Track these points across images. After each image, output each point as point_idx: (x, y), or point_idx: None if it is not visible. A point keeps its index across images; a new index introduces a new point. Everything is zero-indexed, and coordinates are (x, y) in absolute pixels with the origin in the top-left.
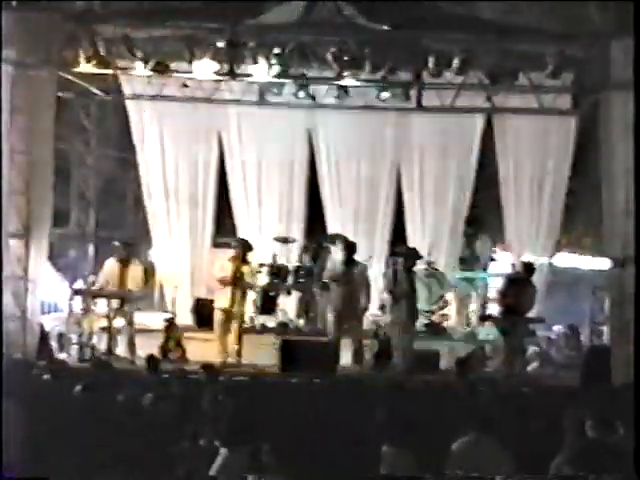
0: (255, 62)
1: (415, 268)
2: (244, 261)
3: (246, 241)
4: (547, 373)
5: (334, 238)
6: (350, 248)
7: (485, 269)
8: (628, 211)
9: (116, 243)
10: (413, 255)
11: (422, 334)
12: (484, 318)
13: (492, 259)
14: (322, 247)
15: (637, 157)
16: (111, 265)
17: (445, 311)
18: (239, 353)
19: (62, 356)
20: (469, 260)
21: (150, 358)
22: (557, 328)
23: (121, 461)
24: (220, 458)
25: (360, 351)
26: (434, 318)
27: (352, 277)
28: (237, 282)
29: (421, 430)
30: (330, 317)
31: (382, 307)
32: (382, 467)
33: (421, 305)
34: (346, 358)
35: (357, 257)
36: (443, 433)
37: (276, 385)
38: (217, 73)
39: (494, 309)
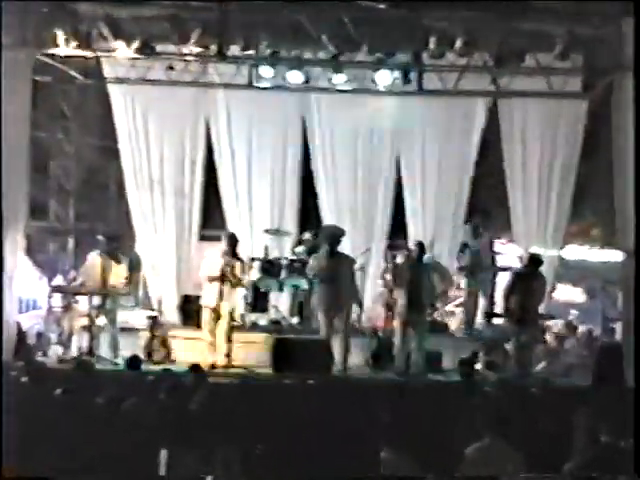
0: (245, 43)
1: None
2: (234, 255)
3: (232, 234)
4: (556, 372)
5: (329, 229)
6: (333, 239)
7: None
8: None
9: (99, 237)
10: (419, 248)
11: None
12: (490, 315)
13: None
14: (317, 239)
15: (637, 151)
16: (93, 260)
17: (449, 307)
18: (228, 353)
19: (41, 357)
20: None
21: (131, 359)
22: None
23: (102, 465)
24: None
25: (345, 352)
26: (436, 315)
27: (337, 271)
28: (225, 278)
29: (421, 434)
30: (319, 315)
31: (388, 305)
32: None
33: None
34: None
35: (354, 249)
36: (446, 436)
37: (267, 387)
38: (205, 55)
39: (501, 305)
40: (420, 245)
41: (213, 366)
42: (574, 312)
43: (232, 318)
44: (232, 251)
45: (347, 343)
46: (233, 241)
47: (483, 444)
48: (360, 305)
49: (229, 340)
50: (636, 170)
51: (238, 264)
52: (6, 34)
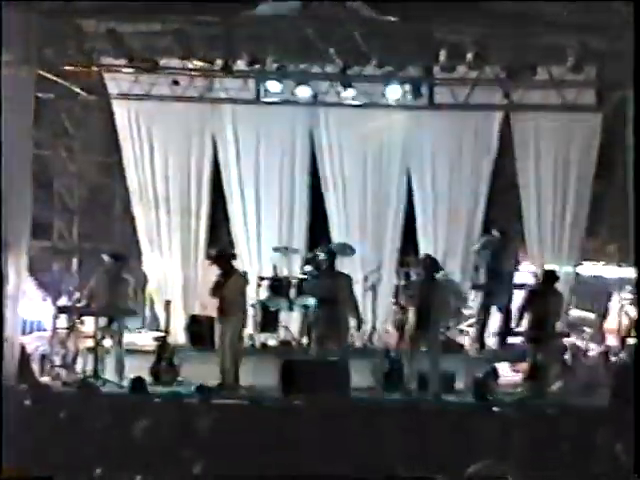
0: (252, 57)
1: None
2: (230, 272)
3: (222, 249)
4: (573, 392)
5: (339, 247)
6: (330, 257)
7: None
8: None
9: (104, 256)
10: (433, 265)
11: None
12: (506, 334)
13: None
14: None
15: (637, 159)
16: (98, 280)
17: (462, 326)
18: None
19: (45, 379)
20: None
21: (135, 380)
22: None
23: None
24: None
25: (347, 374)
26: (449, 334)
27: (333, 291)
28: (224, 296)
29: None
30: (313, 336)
31: (400, 324)
32: None
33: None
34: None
35: (364, 266)
36: (458, 459)
37: (275, 410)
38: (210, 70)
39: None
40: (432, 260)
41: (221, 387)
42: (588, 329)
43: (239, 338)
44: (229, 267)
45: (346, 364)
46: (226, 256)
47: (485, 464)
48: (359, 321)
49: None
50: (635, 176)
51: (237, 281)
52: (9, 51)
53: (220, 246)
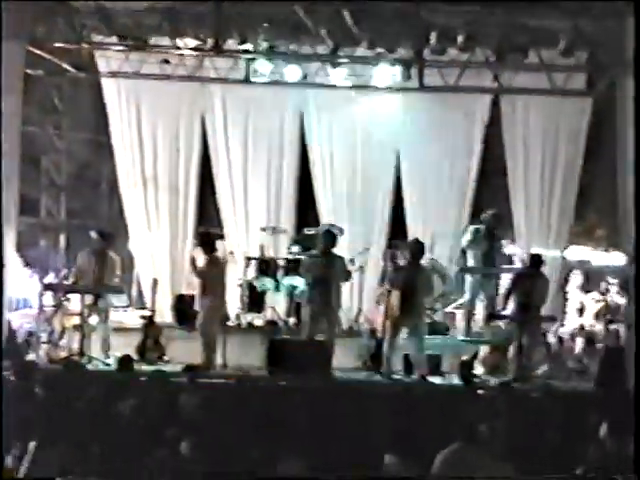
0: (242, 37)
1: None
2: (212, 252)
3: (204, 232)
4: (558, 376)
5: (325, 229)
6: (328, 239)
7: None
8: None
9: (92, 233)
10: (418, 248)
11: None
12: (492, 317)
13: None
14: (313, 238)
15: (637, 152)
16: (85, 258)
17: (449, 309)
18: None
19: (31, 356)
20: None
21: (122, 359)
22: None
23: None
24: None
25: (330, 355)
26: (436, 317)
27: (328, 272)
28: (207, 276)
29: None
30: (304, 315)
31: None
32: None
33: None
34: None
35: (352, 247)
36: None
37: (262, 388)
38: (200, 49)
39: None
40: (418, 244)
41: (207, 367)
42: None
43: (225, 318)
44: (211, 248)
45: (332, 344)
46: (206, 238)
47: (455, 448)
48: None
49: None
50: (636, 170)
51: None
52: None
53: (205, 227)
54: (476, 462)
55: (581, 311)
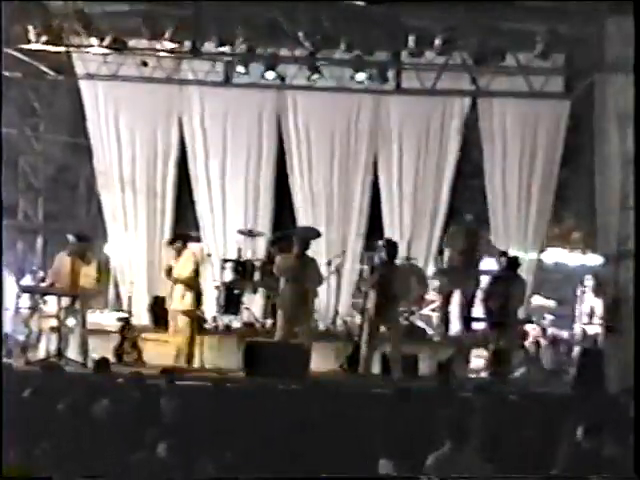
0: (220, 39)
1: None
2: (183, 253)
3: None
4: (536, 379)
5: (301, 231)
6: (303, 241)
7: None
8: (624, 204)
9: (69, 236)
10: (392, 250)
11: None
12: (469, 319)
13: None
14: (287, 239)
15: (637, 148)
16: (62, 260)
17: (425, 311)
18: (189, 358)
19: (8, 359)
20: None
21: (99, 361)
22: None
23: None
24: None
25: (307, 357)
26: (413, 319)
27: (303, 274)
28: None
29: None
30: (279, 318)
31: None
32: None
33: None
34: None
35: (329, 250)
36: (422, 443)
37: (238, 391)
38: (179, 51)
39: (480, 309)
40: (391, 244)
41: (185, 369)
42: (550, 317)
43: (198, 320)
44: (179, 251)
45: (309, 347)
46: (183, 238)
47: (444, 452)
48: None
49: (190, 344)
50: (636, 171)
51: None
52: None
53: (182, 229)
54: (466, 464)
55: (591, 315)
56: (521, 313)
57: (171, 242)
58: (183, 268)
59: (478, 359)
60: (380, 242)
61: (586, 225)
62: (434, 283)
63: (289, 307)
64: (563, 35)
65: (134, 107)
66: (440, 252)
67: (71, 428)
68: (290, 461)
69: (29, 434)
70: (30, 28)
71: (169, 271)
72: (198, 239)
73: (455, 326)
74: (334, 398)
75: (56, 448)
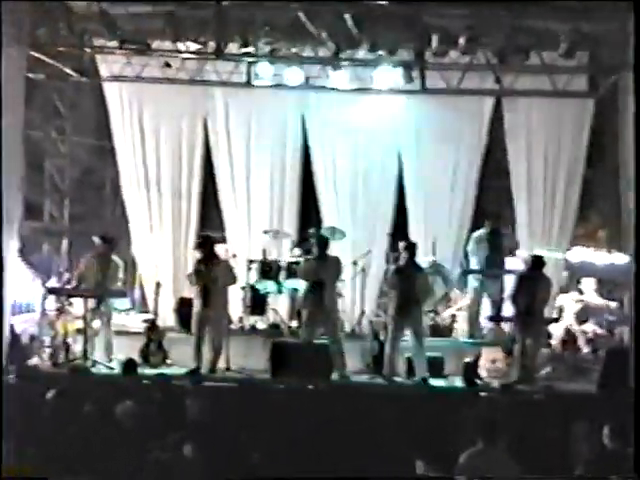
0: (243, 40)
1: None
2: (211, 257)
3: (205, 235)
4: (561, 378)
5: (319, 232)
6: (321, 242)
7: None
8: None
9: (94, 238)
10: (411, 247)
11: (426, 336)
12: (494, 319)
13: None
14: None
15: (637, 148)
16: (88, 262)
17: (451, 311)
18: (214, 362)
19: (34, 360)
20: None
21: (127, 362)
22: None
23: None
24: None
25: (339, 356)
26: (439, 319)
27: (323, 274)
28: (207, 280)
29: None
30: (303, 319)
31: (383, 306)
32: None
33: (425, 305)
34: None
35: (354, 250)
36: (448, 444)
37: (265, 391)
38: (202, 52)
39: (505, 309)
40: (411, 245)
41: (211, 370)
42: (611, 317)
43: (228, 322)
44: (209, 252)
45: (339, 347)
46: (206, 242)
47: (476, 450)
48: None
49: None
50: (636, 170)
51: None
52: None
53: (208, 230)
54: (497, 463)
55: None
56: (546, 312)
57: (199, 245)
58: (215, 272)
59: (503, 359)
60: (401, 243)
61: (612, 224)
62: (460, 283)
63: (310, 308)
64: (587, 33)
65: (158, 108)
66: (466, 253)
67: (97, 429)
68: (316, 462)
69: (55, 435)
70: (54, 30)
71: (196, 275)
72: (223, 240)
73: (481, 326)
74: (359, 398)
75: (82, 449)
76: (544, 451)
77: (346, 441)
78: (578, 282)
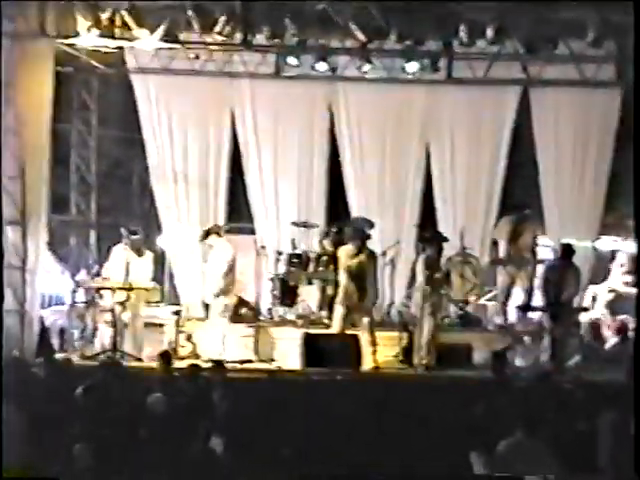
0: (271, 32)
1: (448, 254)
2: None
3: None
4: (591, 367)
5: (358, 223)
6: (362, 234)
7: None
8: None
9: (123, 230)
10: (438, 239)
11: (455, 326)
12: (524, 308)
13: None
14: (344, 232)
15: (637, 147)
16: (117, 254)
17: (481, 301)
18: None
19: (64, 353)
20: None
21: (162, 354)
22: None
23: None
24: None
25: (374, 346)
26: (469, 308)
27: (360, 266)
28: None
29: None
30: (337, 310)
31: (409, 297)
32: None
33: (454, 294)
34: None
35: (383, 241)
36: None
37: (295, 382)
38: (229, 44)
39: (535, 298)
40: (436, 235)
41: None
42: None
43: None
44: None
45: (374, 338)
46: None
47: (514, 440)
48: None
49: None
50: (635, 171)
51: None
52: (26, 23)
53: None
54: (534, 453)
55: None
56: (576, 301)
57: (206, 235)
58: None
59: (534, 348)
60: (427, 234)
61: None
62: (489, 273)
63: (349, 300)
64: (615, 23)
65: (186, 100)
66: (494, 242)
67: (128, 421)
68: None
69: (88, 427)
70: (81, 22)
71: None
72: (252, 231)
73: (511, 315)
74: (389, 389)
75: (117, 440)
76: (574, 441)
77: (379, 432)
78: (608, 271)
